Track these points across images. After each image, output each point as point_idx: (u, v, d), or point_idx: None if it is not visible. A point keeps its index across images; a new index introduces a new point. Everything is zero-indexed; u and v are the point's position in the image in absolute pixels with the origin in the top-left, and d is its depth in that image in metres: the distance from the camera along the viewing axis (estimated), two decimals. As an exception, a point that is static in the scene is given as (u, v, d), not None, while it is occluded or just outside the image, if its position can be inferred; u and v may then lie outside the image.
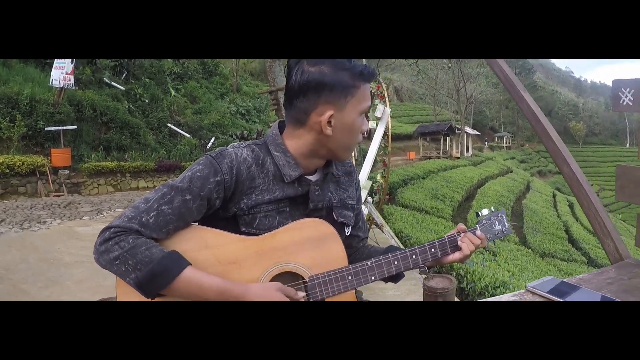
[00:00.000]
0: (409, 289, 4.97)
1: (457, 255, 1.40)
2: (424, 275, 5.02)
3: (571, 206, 29.67)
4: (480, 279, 7.17)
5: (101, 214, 9.49)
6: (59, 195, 11.69)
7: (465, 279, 7.15)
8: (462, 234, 1.41)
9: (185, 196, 1.19)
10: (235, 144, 1.34)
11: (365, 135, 1.38)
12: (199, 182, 1.21)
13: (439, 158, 30.71)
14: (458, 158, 32.41)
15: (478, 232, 1.43)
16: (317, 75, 1.22)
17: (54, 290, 4.88)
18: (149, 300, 1.16)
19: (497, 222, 1.50)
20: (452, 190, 19.05)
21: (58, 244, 6.70)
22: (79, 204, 10.60)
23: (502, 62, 2.05)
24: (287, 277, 1.29)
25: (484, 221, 1.49)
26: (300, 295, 1.24)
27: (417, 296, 4.83)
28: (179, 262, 1.14)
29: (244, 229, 1.28)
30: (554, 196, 31.57)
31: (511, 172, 34.71)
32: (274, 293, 1.19)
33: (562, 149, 1.90)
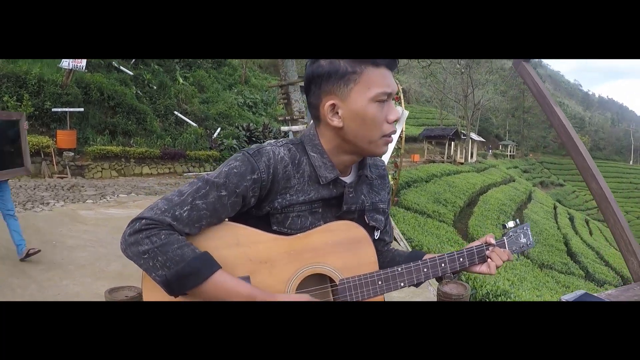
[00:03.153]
0: (414, 291, 4.93)
1: (484, 268, 1.38)
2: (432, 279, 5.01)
3: (571, 219, 29.73)
4: (482, 286, 7.18)
5: (104, 198, 9.48)
6: (62, 177, 11.68)
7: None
8: (490, 248, 1.39)
9: (220, 192, 1.17)
10: (272, 141, 1.31)
11: (395, 127, 1.33)
12: (236, 179, 1.18)
13: (442, 162, 30.70)
14: (462, 164, 32.38)
15: (507, 250, 1.41)
16: (315, 68, 1.23)
17: (56, 273, 4.87)
18: (172, 300, 1.14)
19: (522, 235, 1.48)
20: (455, 195, 19.03)
21: (60, 226, 6.69)
22: (83, 187, 10.59)
23: (535, 76, 2.02)
24: (318, 279, 1.27)
25: (510, 233, 1.47)
26: None
27: (422, 299, 4.82)
28: (210, 265, 1.12)
29: (275, 227, 1.25)
30: (554, 208, 31.61)
31: (514, 181, 34.72)
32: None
33: (592, 166, 1.87)
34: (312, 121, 1.37)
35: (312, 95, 1.26)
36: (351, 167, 1.38)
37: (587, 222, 32.90)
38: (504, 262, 1.39)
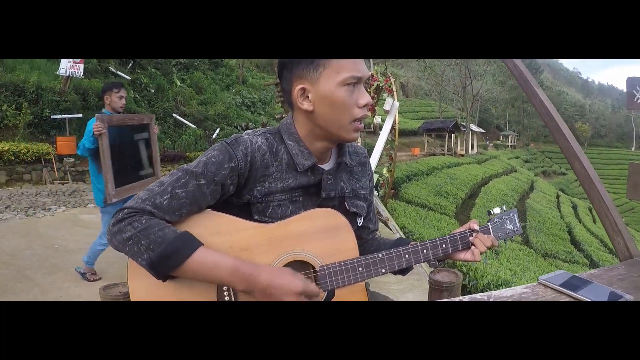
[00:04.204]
0: (412, 283, 4.96)
1: (468, 255, 1.37)
2: (429, 270, 5.02)
3: (574, 208, 29.64)
4: (483, 276, 7.18)
5: (105, 202, 9.49)
6: (63, 183, 11.69)
7: (467, 276, 7.15)
8: (474, 234, 1.39)
9: (199, 180, 1.20)
10: (250, 131, 1.34)
11: (367, 112, 1.33)
12: (214, 167, 1.21)
13: (443, 155, 30.67)
14: (462, 155, 32.34)
15: (491, 236, 1.41)
16: None
17: (58, 276, 4.89)
18: (156, 301, 1.17)
19: (508, 222, 1.47)
20: (456, 187, 19.03)
21: (62, 230, 6.72)
22: (84, 191, 10.60)
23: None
24: (298, 266, 1.29)
25: (495, 219, 1.46)
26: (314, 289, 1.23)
27: (420, 290, 4.83)
28: (191, 243, 1.14)
29: (256, 217, 1.28)
30: (557, 197, 31.53)
31: (515, 171, 34.67)
32: (286, 275, 1.18)
33: (574, 146, 1.89)
34: (290, 112, 1.39)
35: (285, 80, 1.30)
36: (330, 155, 1.40)
37: (590, 210, 32.73)
38: (488, 248, 1.38)
